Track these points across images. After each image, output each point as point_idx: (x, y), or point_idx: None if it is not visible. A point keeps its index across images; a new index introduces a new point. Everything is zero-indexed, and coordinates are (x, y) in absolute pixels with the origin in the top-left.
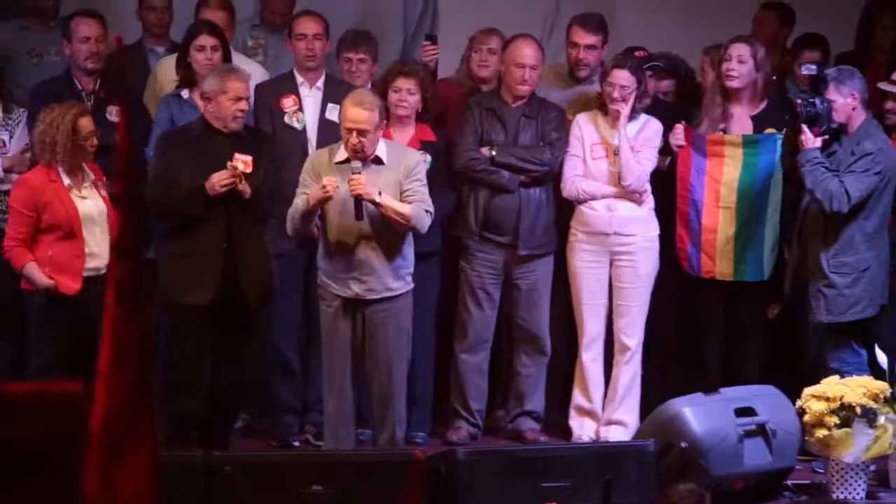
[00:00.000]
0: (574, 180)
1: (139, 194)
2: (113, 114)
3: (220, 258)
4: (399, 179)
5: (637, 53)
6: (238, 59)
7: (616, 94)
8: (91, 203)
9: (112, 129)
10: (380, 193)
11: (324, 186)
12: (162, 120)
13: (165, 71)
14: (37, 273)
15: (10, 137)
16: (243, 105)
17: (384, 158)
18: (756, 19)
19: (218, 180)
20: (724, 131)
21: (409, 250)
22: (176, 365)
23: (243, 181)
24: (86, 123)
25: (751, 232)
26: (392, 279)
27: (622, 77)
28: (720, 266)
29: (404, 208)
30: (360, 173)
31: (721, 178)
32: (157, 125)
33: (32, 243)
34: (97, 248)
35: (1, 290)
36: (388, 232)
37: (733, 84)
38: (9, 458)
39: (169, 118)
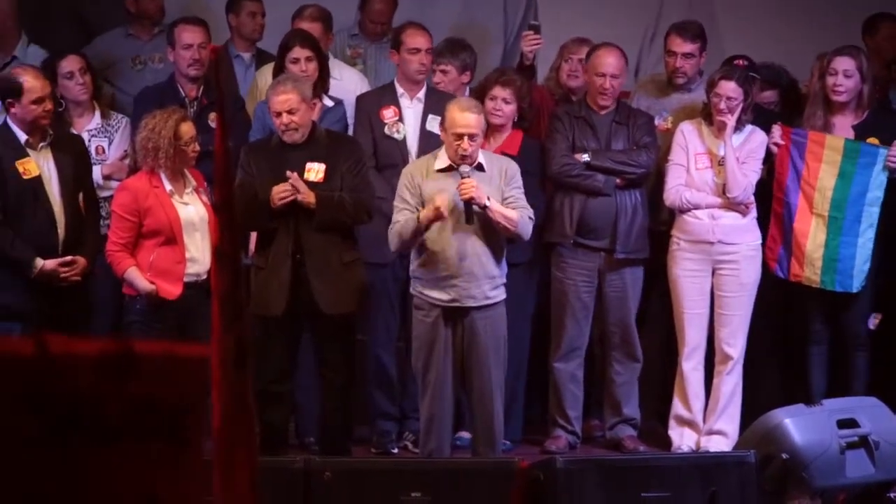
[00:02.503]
0: (678, 189)
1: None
2: (213, 120)
3: (289, 269)
4: (501, 186)
5: (736, 62)
6: (338, 67)
7: (723, 106)
8: (192, 209)
9: (214, 135)
10: (488, 198)
11: (437, 207)
12: (256, 127)
13: (266, 80)
14: (138, 278)
15: (109, 144)
16: (284, 119)
17: (485, 165)
18: (883, 35)
19: (276, 193)
20: None
21: (504, 261)
22: (258, 376)
23: (305, 191)
24: (187, 129)
25: (842, 244)
26: (490, 287)
27: (729, 88)
28: (807, 272)
29: (512, 213)
30: (469, 177)
31: (815, 184)
32: (252, 132)
33: (134, 248)
34: (198, 254)
35: (103, 295)
36: (490, 239)
37: (840, 98)
38: (144, 415)
39: (263, 125)
